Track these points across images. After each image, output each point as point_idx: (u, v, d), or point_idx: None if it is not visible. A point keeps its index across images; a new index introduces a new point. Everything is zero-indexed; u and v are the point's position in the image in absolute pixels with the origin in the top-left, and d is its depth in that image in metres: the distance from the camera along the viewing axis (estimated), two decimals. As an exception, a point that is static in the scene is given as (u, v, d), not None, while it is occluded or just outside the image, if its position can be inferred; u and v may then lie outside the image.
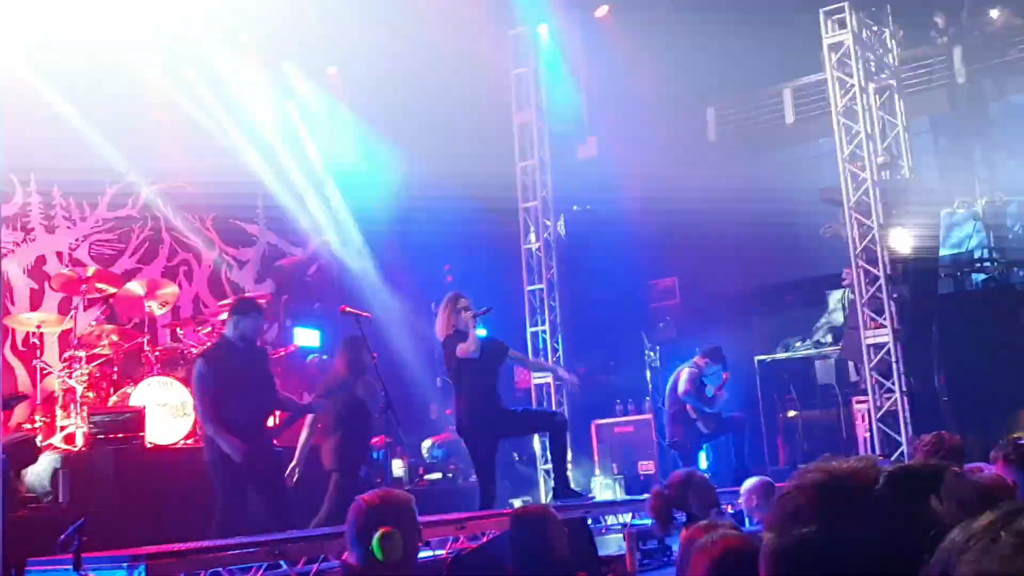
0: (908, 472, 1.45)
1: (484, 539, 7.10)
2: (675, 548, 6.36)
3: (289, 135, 15.78)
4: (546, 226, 14.48)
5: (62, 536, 5.61)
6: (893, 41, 13.86)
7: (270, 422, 8.69)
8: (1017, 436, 12.34)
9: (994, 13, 15.58)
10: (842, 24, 12.60)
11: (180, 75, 14.32)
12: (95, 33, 12.82)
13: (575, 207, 16.20)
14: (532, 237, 14.47)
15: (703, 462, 11.90)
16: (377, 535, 4.08)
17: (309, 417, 9.30)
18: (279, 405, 8.73)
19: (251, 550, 6.14)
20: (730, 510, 8.44)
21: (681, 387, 11.40)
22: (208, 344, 9.93)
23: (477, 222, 16.11)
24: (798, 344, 14.83)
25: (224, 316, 11.86)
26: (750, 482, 7.49)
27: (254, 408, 8.19)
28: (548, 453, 9.41)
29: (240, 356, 8.28)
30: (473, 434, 8.99)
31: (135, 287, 11.75)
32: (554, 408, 13.21)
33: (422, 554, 7.17)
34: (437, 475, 13.35)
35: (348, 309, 9.42)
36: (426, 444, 13.54)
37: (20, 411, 10.86)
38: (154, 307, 11.67)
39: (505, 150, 14.67)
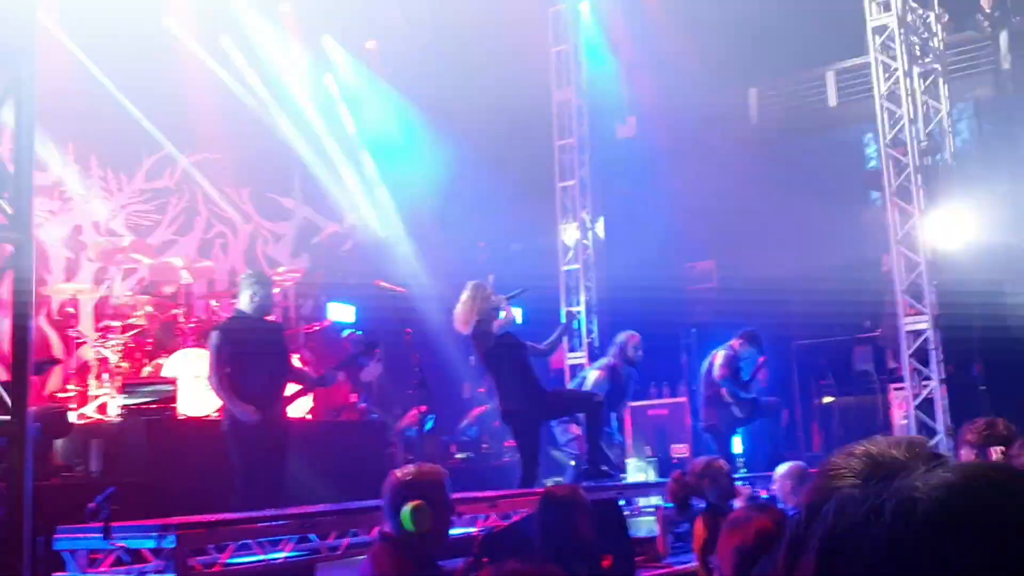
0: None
1: (515, 518, 7.06)
2: (695, 529, 6.29)
3: (327, 109, 15.76)
4: (583, 205, 14.37)
5: (92, 504, 5.60)
6: (938, 25, 13.63)
7: (287, 392, 8.62)
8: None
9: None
10: (887, 7, 12.39)
11: (218, 46, 14.33)
12: (133, 3, 12.86)
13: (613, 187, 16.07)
14: (570, 217, 14.37)
15: (738, 446, 11.78)
16: (408, 507, 4.22)
17: None
18: (293, 377, 8.69)
19: (281, 523, 6.12)
20: (764, 495, 8.37)
21: (717, 371, 11.29)
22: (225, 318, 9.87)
23: (514, 200, 16.05)
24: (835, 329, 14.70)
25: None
26: (784, 467, 7.42)
27: (268, 380, 8.15)
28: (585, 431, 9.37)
29: (256, 329, 8.27)
30: (518, 417, 8.98)
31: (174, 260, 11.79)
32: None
33: (454, 530, 7.14)
34: (468, 453, 13.35)
35: (383, 284, 9.39)
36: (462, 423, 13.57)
37: (53, 380, 10.90)
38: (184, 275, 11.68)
39: (544, 128, 14.56)
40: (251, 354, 8.06)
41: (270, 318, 8.52)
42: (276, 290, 10.56)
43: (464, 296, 9.04)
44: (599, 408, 9.25)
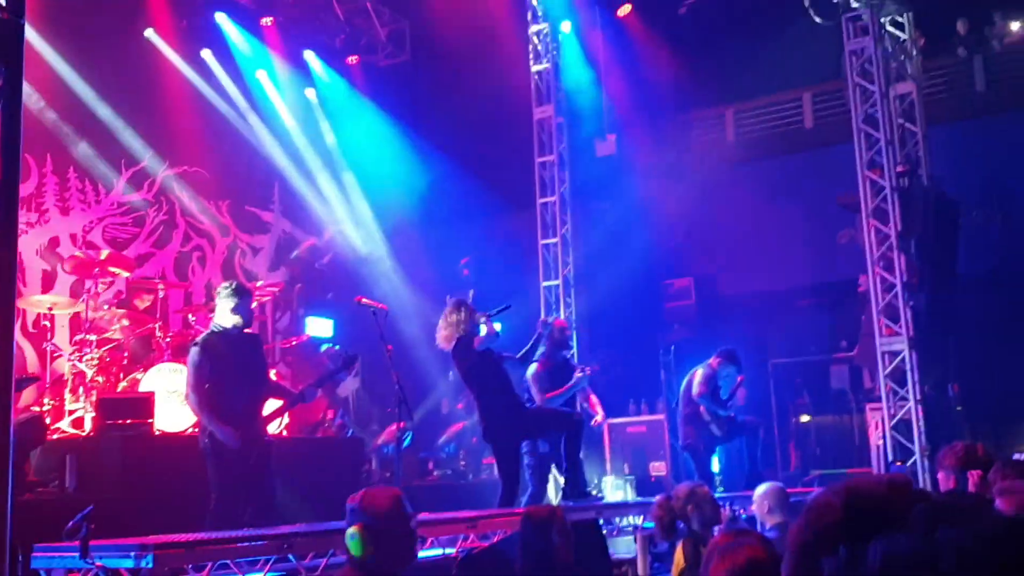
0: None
1: (495, 539, 7.04)
2: (675, 556, 6.27)
3: (308, 123, 15.76)
4: (563, 222, 14.40)
5: (70, 523, 5.55)
6: (915, 49, 13.76)
7: (265, 410, 8.51)
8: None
9: (1015, 25, 15.48)
10: (864, 30, 12.50)
11: (199, 59, 14.32)
12: (113, 14, 12.84)
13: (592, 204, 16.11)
14: (550, 233, 14.40)
15: (715, 465, 11.80)
16: (349, 531, 4.15)
17: None
18: (273, 392, 8.57)
19: (259, 543, 6.08)
20: (743, 514, 8.38)
21: (695, 388, 11.29)
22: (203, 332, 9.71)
23: (495, 217, 16.09)
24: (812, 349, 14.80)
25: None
26: (763, 488, 7.42)
27: (249, 396, 7.99)
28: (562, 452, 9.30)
29: (235, 343, 8.05)
30: (498, 435, 8.96)
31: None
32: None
33: (431, 552, 7.12)
34: (446, 470, 13.34)
35: (364, 301, 9.35)
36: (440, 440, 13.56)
37: (28, 393, 10.81)
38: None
39: (524, 146, 14.60)
40: (231, 370, 7.87)
41: (248, 330, 8.37)
42: (254, 304, 10.54)
43: (446, 312, 9.03)
44: (579, 427, 9.24)
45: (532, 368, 9.97)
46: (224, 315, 8.06)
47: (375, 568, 4.16)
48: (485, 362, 8.88)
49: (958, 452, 5.63)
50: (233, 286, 8.24)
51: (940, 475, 5.74)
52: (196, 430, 9.54)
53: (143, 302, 11.75)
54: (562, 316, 14.05)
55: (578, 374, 9.99)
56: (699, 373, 11.38)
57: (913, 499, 1.43)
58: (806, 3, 12.74)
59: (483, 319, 8.93)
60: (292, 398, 8.65)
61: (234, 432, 7.60)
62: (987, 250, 15.06)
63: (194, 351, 7.92)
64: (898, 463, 11.52)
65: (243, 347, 8.15)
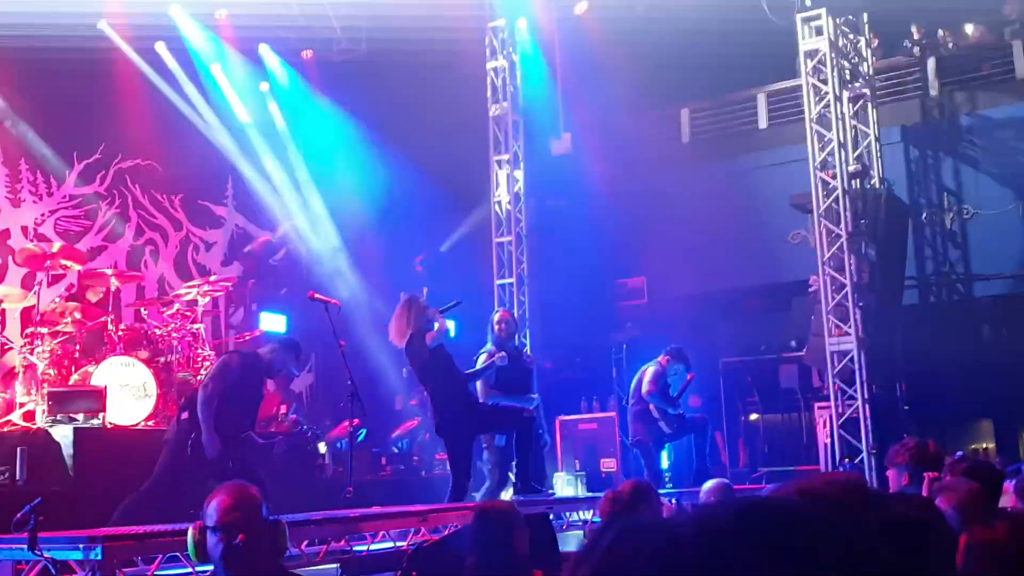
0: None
1: (447, 532, 7.08)
2: None
3: (262, 118, 15.70)
4: (518, 220, 14.45)
5: (18, 515, 5.52)
6: (869, 50, 13.94)
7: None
8: (976, 448, 12.46)
9: (968, 28, 15.70)
10: (819, 31, 12.63)
11: (153, 52, 14.21)
12: (68, 5, 12.72)
13: (547, 202, 16.15)
14: (504, 231, 14.43)
15: (664, 461, 11.92)
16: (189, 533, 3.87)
17: None
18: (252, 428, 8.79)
19: (211, 535, 6.08)
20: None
21: (645, 387, 11.38)
22: (246, 350, 9.93)
23: (449, 214, 16.11)
24: (762, 348, 14.93)
25: (189, 293, 11.90)
26: (709, 484, 7.49)
27: (238, 425, 8.24)
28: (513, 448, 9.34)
29: (258, 378, 8.53)
30: (451, 430, 9.02)
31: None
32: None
33: (383, 545, 7.15)
34: (399, 465, 13.36)
35: (317, 296, 9.36)
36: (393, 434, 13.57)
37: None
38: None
39: (479, 143, 14.62)
40: (242, 396, 8.26)
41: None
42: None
43: (399, 309, 9.05)
44: (529, 423, 9.30)
45: (480, 359, 9.96)
46: (270, 353, 8.55)
47: (232, 568, 3.88)
48: (437, 358, 8.92)
49: (910, 449, 5.69)
50: (288, 342, 8.83)
51: (891, 472, 5.79)
52: (149, 424, 9.58)
53: (95, 295, 11.67)
54: (515, 313, 14.08)
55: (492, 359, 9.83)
56: (648, 371, 11.48)
57: (867, 499, 1.47)
58: (763, 2, 12.88)
59: (436, 315, 8.97)
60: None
61: (217, 445, 7.73)
62: (936, 252, 15.30)
63: (233, 358, 8.53)
64: (846, 460, 11.68)
65: (259, 384, 8.70)
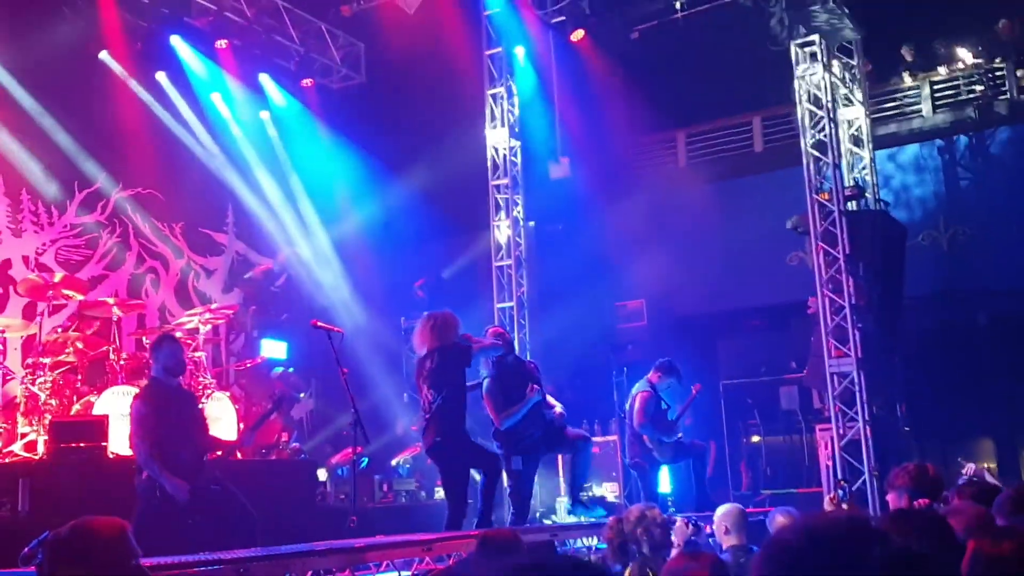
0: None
1: (451, 561, 7.10)
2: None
3: (263, 146, 15.77)
4: (517, 244, 14.50)
5: (26, 549, 5.54)
6: (863, 75, 14.03)
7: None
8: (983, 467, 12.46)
9: (961, 51, 15.79)
10: (814, 56, 12.72)
11: (153, 81, 14.30)
12: (68, 35, 12.81)
13: (546, 226, 16.21)
14: (503, 255, 14.48)
15: (666, 486, 11.88)
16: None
17: None
18: (212, 445, 8.51)
19: (216, 567, 6.11)
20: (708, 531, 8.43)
21: (635, 419, 11.26)
22: (141, 385, 9.52)
23: (448, 238, 16.17)
24: (762, 369, 14.98)
25: (191, 321, 11.93)
26: (722, 509, 7.45)
27: (192, 447, 7.94)
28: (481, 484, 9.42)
29: (173, 395, 8.04)
30: (453, 454, 9.03)
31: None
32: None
33: (387, 574, 7.17)
34: (400, 492, 13.38)
35: (319, 324, 9.41)
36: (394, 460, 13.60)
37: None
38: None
39: (478, 168, 14.69)
40: (174, 420, 7.84)
41: (183, 385, 8.34)
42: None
43: (428, 322, 9.19)
44: (498, 465, 9.38)
45: (485, 384, 9.95)
46: (155, 365, 8.06)
47: None
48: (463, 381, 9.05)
49: (910, 472, 5.74)
50: (157, 336, 8.21)
51: (891, 496, 5.83)
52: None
53: (95, 325, 11.71)
54: (515, 337, 14.10)
55: (530, 394, 9.88)
56: (638, 398, 11.38)
57: (871, 537, 1.52)
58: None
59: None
60: (229, 448, 8.67)
61: (183, 485, 7.53)
62: (933, 272, 15.34)
63: (137, 404, 7.88)
64: (843, 482, 11.69)
65: (181, 399, 8.17)
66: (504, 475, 9.76)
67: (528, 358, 13.36)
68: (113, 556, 3.61)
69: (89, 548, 3.58)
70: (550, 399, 10.25)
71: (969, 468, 10.05)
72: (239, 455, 10.82)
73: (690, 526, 7.64)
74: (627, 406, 11.73)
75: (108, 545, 3.61)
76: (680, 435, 11.51)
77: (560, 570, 1.17)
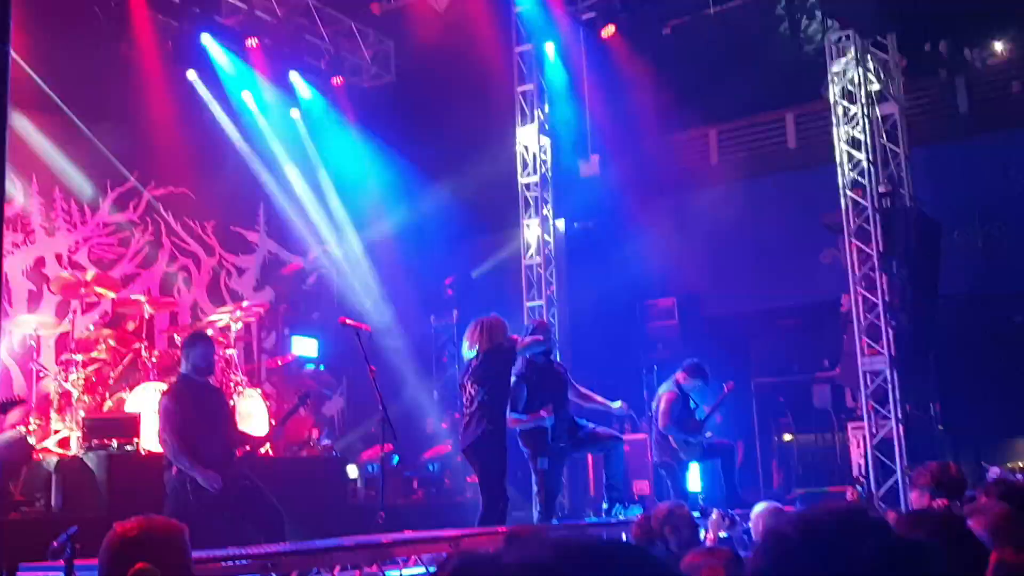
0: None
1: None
2: None
3: (293, 144, 15.81)
4: (547, 242, 14.48)
5: (55, 543, 5.57)
6: (897, 69, 13.89)
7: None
8: (1013, 467, 12.36)
9: (998, 45, 15.63)
10: (847, 52, 12.62)
11: (183, 80, 14.35)
12: (99, 35, 12.89)
13: (575, 224, 16.15)
14: (533, 253, 14.46)
15: (696, 483, 11.79)
16: (132, 572, 3.51)
17: None
18: (240, 440, 8.56)
19: (243, 562, 6.12)
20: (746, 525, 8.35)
21: (660, 420, 11.21)
22: (169, 382, 9.54)
23: (479, 237, 16.16)
24: (795, 368, 14.87)
25: (222, 319, 11.98)
26: (759, 507, 7.36)
27: (221, 442, 8.00)
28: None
29: (201, 392, 8.10)
30: (493, 450, 9.04)
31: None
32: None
33: (414, 571, 7.16)
34: (430, 489, 13.37)
35: (348, 322, 9.41)
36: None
37: (15, 414, 10.81)
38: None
39: (508, 166, 14.68)
40: (202, 417, 7.91)
41: (212, 381, 8.41)
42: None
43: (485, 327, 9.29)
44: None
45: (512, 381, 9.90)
46: (184, 363, 8.16)
47: None
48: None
49: (932, 471, 5.70)
50: (190, 334, 8.28)
51: (914, 494, 5.80)
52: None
53: (129, 323, 11.78)
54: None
55: (541, 413, 9.76)
56: (663, 399, 11.31)
57: (868, 529, 1.48)
58: (782, 29, 12.89)
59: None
60: (257, 443, 8.70)
61: (215, 476, 7.59)
62: (968, 270, 15.17)
63: (164, 400, 7.95)
64: (860, 479, 11.61)
65: (208, 396, 8.22)
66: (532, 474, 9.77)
67: (558, 358, 13.33)
68: (176, 558, 3.65)
69: (156, 547, 3.58)
70: (602, 401, 10.29)
71: (994, 471, 9.95)
72: (270, 452, 10.86)
73: (726, 519, 7.58)
74: (653, 406, 11.68)
75: (172, 545, 3.66)
76: (710, 434, 11.42)
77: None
